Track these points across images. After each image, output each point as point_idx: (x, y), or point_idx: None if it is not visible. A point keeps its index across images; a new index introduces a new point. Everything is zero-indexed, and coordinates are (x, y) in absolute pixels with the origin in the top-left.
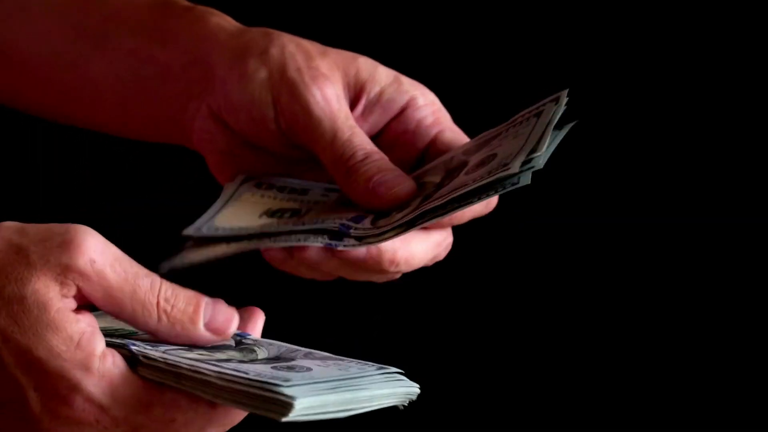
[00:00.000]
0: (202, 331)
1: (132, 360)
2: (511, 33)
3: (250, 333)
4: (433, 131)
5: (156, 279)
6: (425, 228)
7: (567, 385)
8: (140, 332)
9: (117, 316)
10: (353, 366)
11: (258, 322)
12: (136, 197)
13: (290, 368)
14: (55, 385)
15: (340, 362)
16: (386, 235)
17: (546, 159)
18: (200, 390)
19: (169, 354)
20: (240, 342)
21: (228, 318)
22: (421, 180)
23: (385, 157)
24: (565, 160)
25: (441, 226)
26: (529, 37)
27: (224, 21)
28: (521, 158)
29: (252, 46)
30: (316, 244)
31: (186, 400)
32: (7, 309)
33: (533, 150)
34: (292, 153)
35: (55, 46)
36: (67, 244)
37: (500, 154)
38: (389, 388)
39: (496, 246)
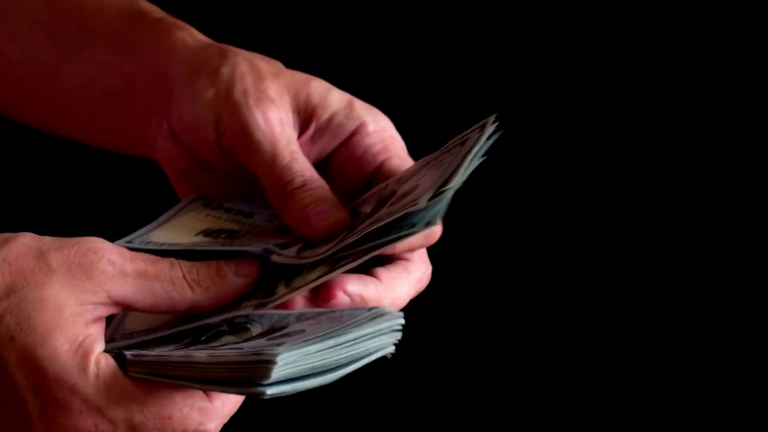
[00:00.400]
0: (234, 279)
1: (121, 361)
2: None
3: None
4: (380, 158)
5: (172, 259)
6: (405, 266)
7: (562, 388)
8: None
9: (155, 305)
10: (345, 314)
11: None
12: (132, 207)
13: (285, 335)
14: (54, 389)
15: (332, 314)
16: (307, 277)
17: (459, 184)
18: (187, 378)
19: (163, 353)
20: (232, 322)
21: (250, 262)
22: (357, 209)
23: (325, 186)
24: (562, 160)
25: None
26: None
27: (188, 35)
28: (430, 193)
29: (206, 64)
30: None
31: (180, 395)
32: (20, 308)
33: (444, 183)
34: (239, 174)
35: (31, 52)
36: (84, 252)
37: (421, 185)
38: (372, 326)
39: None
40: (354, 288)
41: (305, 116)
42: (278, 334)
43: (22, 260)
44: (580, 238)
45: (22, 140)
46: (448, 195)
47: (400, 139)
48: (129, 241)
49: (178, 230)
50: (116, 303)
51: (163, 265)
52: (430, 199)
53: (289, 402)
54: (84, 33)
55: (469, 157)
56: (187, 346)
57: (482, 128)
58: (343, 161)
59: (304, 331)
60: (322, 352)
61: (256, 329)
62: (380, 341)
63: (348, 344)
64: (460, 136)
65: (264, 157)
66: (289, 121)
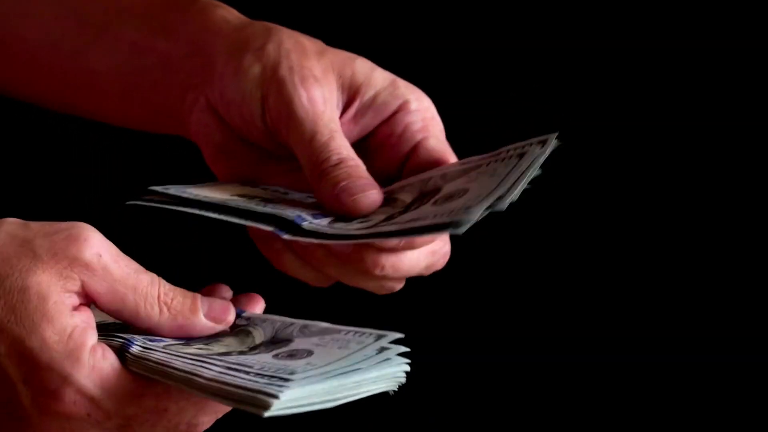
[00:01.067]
0: (203, 321)
1: (120, 354)
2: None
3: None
4: (419, 137)
5: (154, 276)
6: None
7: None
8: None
9: (119, 311)
10: (352, 340)
11: (257, 307)
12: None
13: (291, 355)
14: (46, 378)
15: (337, 335)
16: (333, 240)
17: (511, 201)
18: (186, 387)
19: (168, 349)
20: (235, 324)
21: (225, 307)
22: (394, 195)
23: (361, 165)
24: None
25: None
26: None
27: (229, 13)
28: (484, 205)
29: (251, 40)
30: (262, 227)
31: (176, 389)
32: (6, 299)
33: (500, 197)
34: (280, 151)
35: (57, 35)
36: (74, 238)
37: (471, 192)
38: (377, 371)
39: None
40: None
41: (349, 94)
42: (284, 351)
43: (6, 248)
44: (578, 220)
45: (31, 126)
46: (502, 209)
47: (440, 121)
48: (166, 188)
49: (214, 190)
50: (86, 295)
51: (145, 278)
52: (485, 209)
53: None
54: (111, 14)
55: (528, 173)
56: (187, 343)
57: (543, 143)
58: (383, 138)
59: (311, 353)
60: (325, 392)
61: (258, 334)
62: (383, 384)
63: (351, 386)
64: (516, 146)
65: (304, 134)
66: (333, 100)
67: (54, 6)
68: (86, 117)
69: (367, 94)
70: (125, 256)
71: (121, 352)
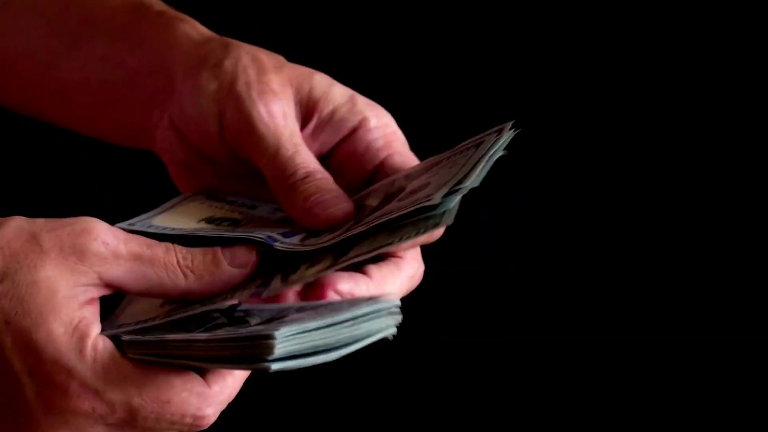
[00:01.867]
0: (229, 269)
1: (119, 344)
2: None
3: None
4: (382, 154)
5: (168, 244)
6: (396, 263)
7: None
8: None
9: (146, 289)
10: (344, 304)
11: None
12: (129, 201)
13: (282, 323)
14: (51, 371)
15: (331, 305)
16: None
17: (476, 184)
18: (186, 357)
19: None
20: (232, 316)
21: (248, 252)
22: (362, 203)
23: (328, 177)
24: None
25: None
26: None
27: (191, 28)
28: (445, 190)
29: (209, 56)
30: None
31: (179, 380)
32: (14, 291)
33: (459, 182)
34: (241, 167)
35: (33, 43)
36: (78, 233)
37: (433, 183)
38: (369, 307)
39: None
40: (345, 287)
41: (307, 110)
42: (277, 322)
43: (14, 243)
44: (580, 233)
45: (20, 131)
46: (463, 193)
47: (402, 134)
48: (131, 224)
49: (180, 217)
50: (107, 285)
51: (159, 250)
52: (445, 195)
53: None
54: (85, 25)
55: (487, 157)
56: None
57: (499, 132)
58: (344, 157)
59: (302, 319)
60: (322, 330)
61: (255, 322)
62: (380, 322)
63: (347, 324)
64: (474, 138)
65: (267, 150)
66: (292, 114)
67: (32, 14)
68: (57, 125)
69: (325, 110)
70: (134, 235)
71: (119, 341)
